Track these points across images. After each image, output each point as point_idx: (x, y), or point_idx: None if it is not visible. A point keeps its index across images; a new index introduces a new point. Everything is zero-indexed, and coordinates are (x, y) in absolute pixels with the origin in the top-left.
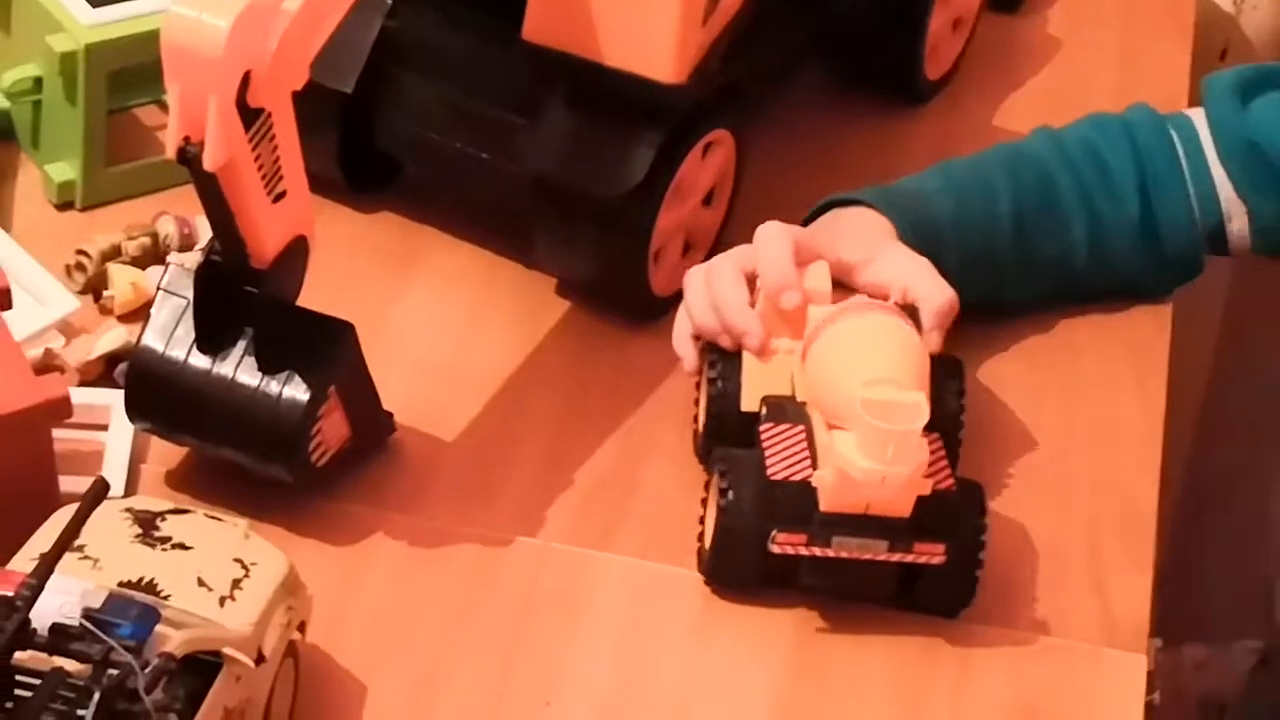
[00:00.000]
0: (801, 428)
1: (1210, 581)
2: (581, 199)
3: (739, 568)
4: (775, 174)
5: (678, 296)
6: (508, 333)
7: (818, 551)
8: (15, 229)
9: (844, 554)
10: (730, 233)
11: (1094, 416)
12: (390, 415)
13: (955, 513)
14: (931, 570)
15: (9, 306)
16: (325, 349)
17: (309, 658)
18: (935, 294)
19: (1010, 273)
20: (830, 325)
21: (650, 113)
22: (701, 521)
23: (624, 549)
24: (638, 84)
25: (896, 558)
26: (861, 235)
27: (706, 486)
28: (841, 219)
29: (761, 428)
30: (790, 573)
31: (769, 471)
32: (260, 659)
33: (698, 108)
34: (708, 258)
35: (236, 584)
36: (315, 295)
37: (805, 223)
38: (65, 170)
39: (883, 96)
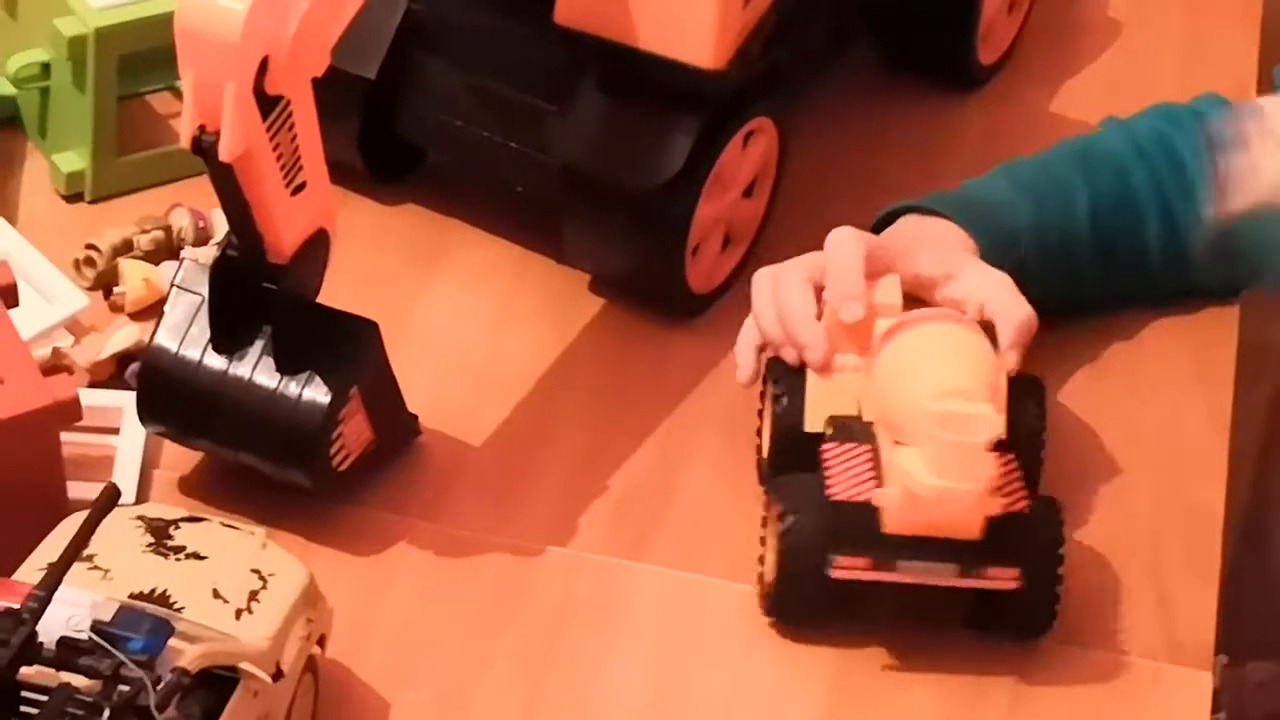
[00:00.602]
0: (868, 447)
1: (1278, 596)
2: (615, 190)
3: (804, 599)
4: (820, 164)
5: (717, 292)
6: (538, 331)
7: (882, 576)
8: (21, 222)
9: (910, 579)
10: (772, 226)
11: (1158, 422)
12: (415, 418)
13: (1030, 534)
14: (1007, 595)
15: (15, 304)
16: (347, 348)
17: (329, 672)
18: (1014, 310)
19: (1086, 275)
20: (896, 335)
21: (688, 99)
22: (761, 561)
23: (661, 559)
24: (675, 69)
25: (966, 583)
26: (940, 249)
27: (764, 522)
28: (919, 229)
29: (824, 447)
30: (859, 602)
31: (829, 492)
32: (278, 674)
33: (738, 94)
34: (749, 252)
35: (253, 596)
36: (336, 292)
37: (875, 228)
38: (74, 160)
39: (933, 82)
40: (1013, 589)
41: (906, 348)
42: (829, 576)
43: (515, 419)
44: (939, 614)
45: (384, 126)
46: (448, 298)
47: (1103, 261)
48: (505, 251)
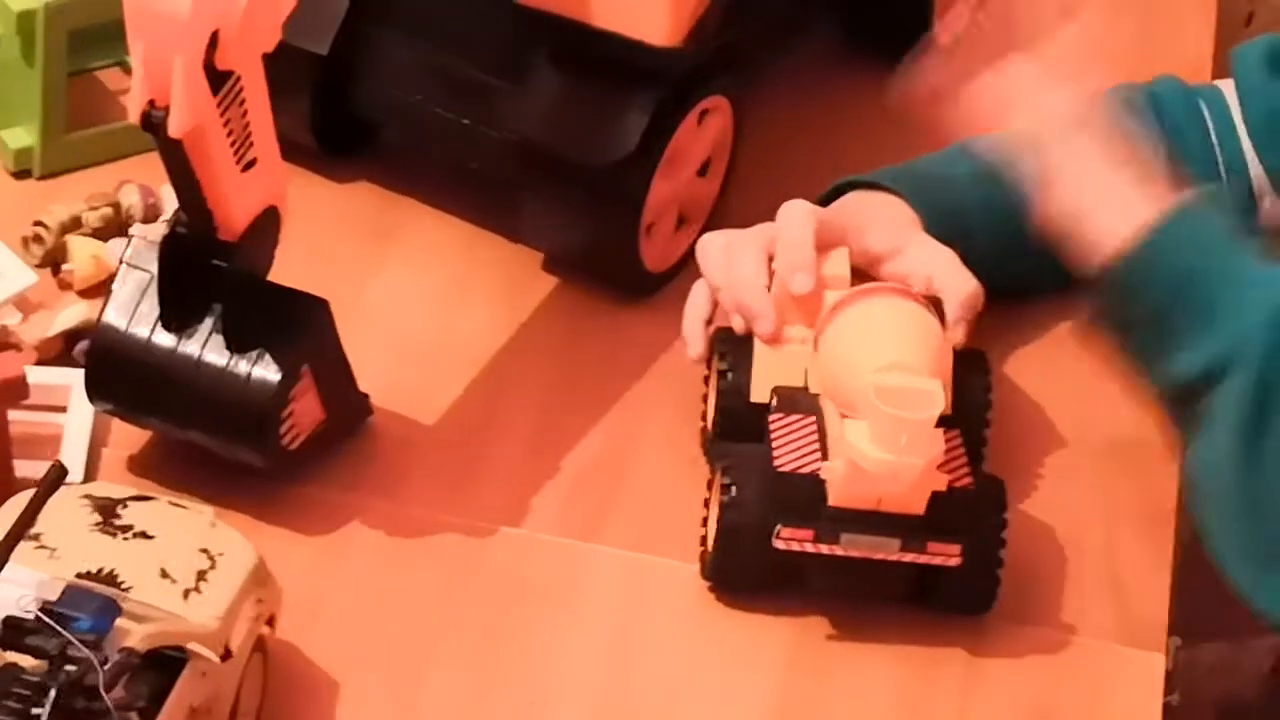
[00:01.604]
0: (813, 419)
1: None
2: (570, 168)
3: (743, 568)
4: (776, 143)
5: (671, 272)
6: (491, 310)
7: (825, 549)
8: None
9: (854, 553)
10: (727, 205)
11: (1110, 398)
12: (366, 397)
13: (973, 511)
14: (949, 571)
15: None
16: (298, 326)
17: (279, 653)
18: (961, 285)
19: (1044, 260)
20: (844, 309)
21: (642, 77)
22: (704, 524)
23: (615, 540)
24: (630, 47)
25: (909, 558)
26: (888, 224)
27: (709, 486)
28: (865, 204)
29: (771, 418)
30: (798, 574)
31: (776, 463)
32: (227, 654)
33: (693, 72)
34: (703, 231)
35: (202, 575)
36: (287, 269)
37: (822, 201)
38: (22, 136)
39: (893, 59)
40: (954, 565)
41: (853, 321)
42: (771, 546)
43: (468, 398)
44: (880, 588)
45: (336, 103)
46: (400, 276)
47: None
48: (458, 230)
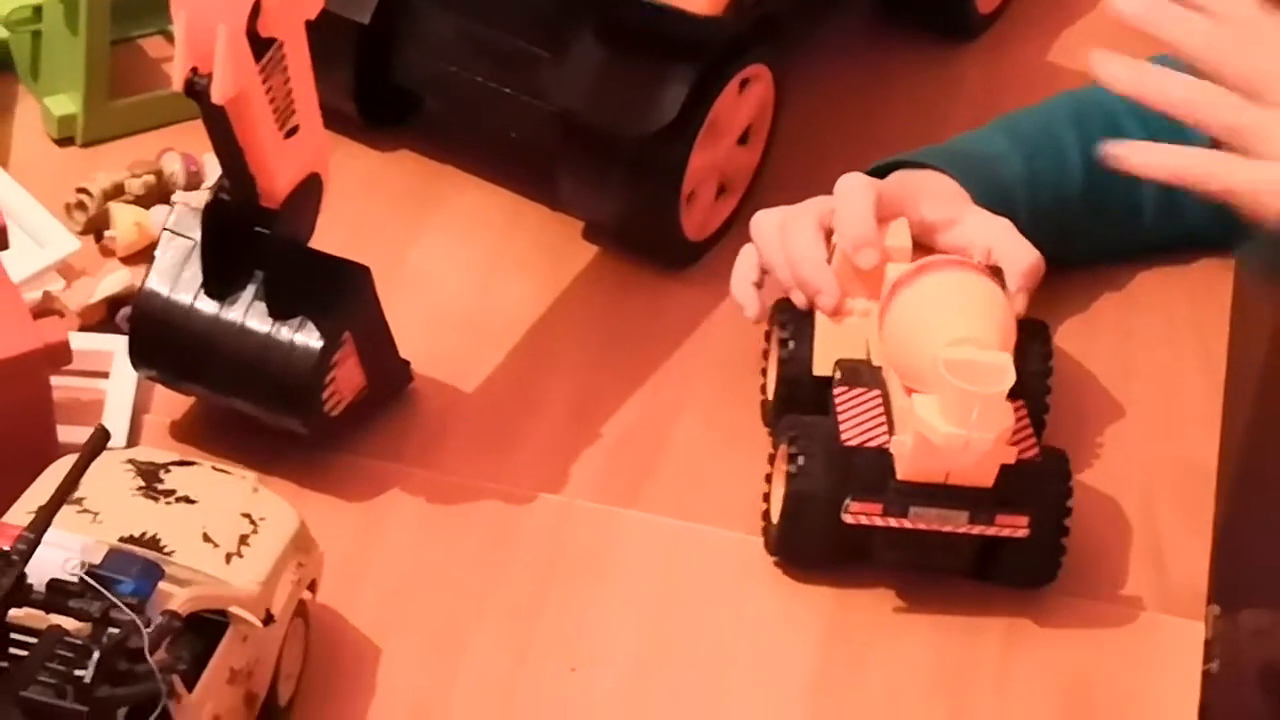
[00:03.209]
0: (877, 392)
1: (1272, 545)
2: (610, 138)
3: (809, 541)
4: (815, 113)
5: (711, 240)
6: (531, 278)
7: (893, 522)
8: (13, 165)
9: (921, 525)
10: (767, 175)
11: (1151, 371)
12: (407, 364)
13: (1040, 482)
14: (1014, 543)
15: (6, 247)
16: (340, 293)
17: (320, 618)
18: (1021, 255)
19: (1079, 229)
20: (910, 283)
21: (683, 46)
22: (765, 499)
23: (653, 507)
24: (670, 16)
25: (977, 530)
26: (941, 197)
27: (771, 459)
28: (915, 179)
29: (835, 391)
30: (862, 546)
31: (843, 437)
32: (269, 619)
33: (734, 41)
34: (743, 200)
35: (244, 540)
36: (329, 237)
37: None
38: (66, 104)
39: (930, 30)
40: (1022, 536)
41: (920, 295)
42: (838, 519)
43: (508, 366)
44: (946, 560)
45: (378, 72)
46: (441, 245)
47: (1096, 215)
48: (499, 198)
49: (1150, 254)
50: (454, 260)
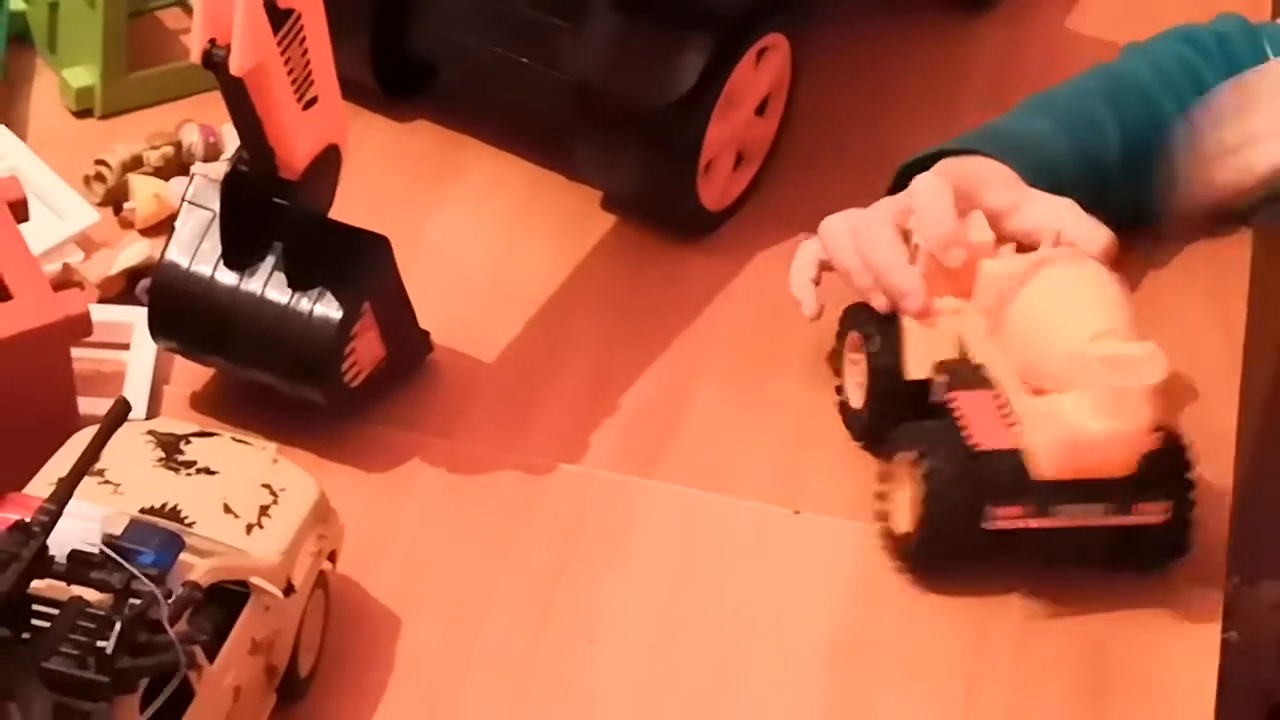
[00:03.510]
0: (990, 393)
1: None
2: (627, 108)
3: (949, 549)
4: (833, 81)
5: (729, 210)
6: (550, 248)
7: (1039, 523)
8: (31, 138)
9: (1065, 523)
10: (785, 145)
11: (1170, 343)
12: (427, 334)
13: (1172, 466)
14: (1150, 528)
15: (25, 219)
16: (359, 264)
17: (340, 589)
18: (1094, 235)
19: (1111, 203)
20: (1030, 280)
21: (700, 16)
22: (883, 517)
23: (672, 476)
24: None
25: (1115, 521)
26: (999, 183)
27: (882, 476)
28: (969, 166)
29: (949, 395)
30: (1000, 546)
31: (973, 441)
32: (289, 589)
33: (751, 11)
34: (761, 170)
35: (264, 511)
36: (348, 208)
37: (897, 176)
38: (84, 76)
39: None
40: (1161, 522)
41: (1045, 293)
42: (976, 525)
43: (527, 336)
44: (1084, 554)
45: (396, 43)
46: (460, 215)
47: (1128, 187)
48: (517, 169)
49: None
50: (473, 230)
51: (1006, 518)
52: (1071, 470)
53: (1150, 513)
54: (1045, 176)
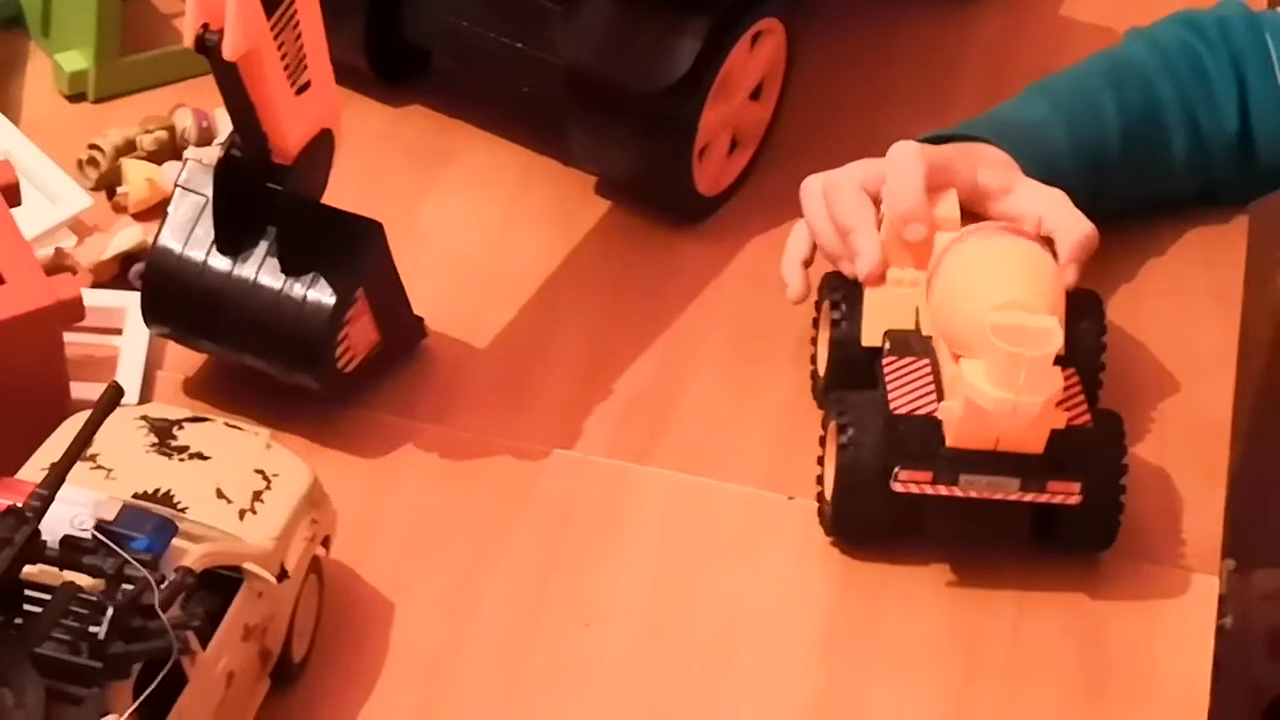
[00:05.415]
0: (926, 361)
1: None
2: (621, 93)
3: (864, 515)
4: (828, 66)
5: (724, 196)
6: (544, 233)
7: (944, 490)
8: (24, 121)
9: (973, 493)
10: (780, 129)
11: (1166, 330)
12: (420, 320)
13: (1093, 448)
14: (1069, 510)
15: (18, 203)
16: (352, 249)
17: (334, 574)
18: (1074, 226)
19: (1109, 188)
20: (956, 248)
21: (695, 0)
22: (819, 481)
23: (666, 462)
24: None
25: (1029, 497)
26: (995, 165)
27: (823, 440)
28: (968, 147)
29: (884, 361)
30: (917, 520)
31: (891, 406)
32: (283, 575)
33: None
34: (756, 155)
35: (257, 496)
36: (341, 193)
37: None
38: (77, 60)
39: None
40: (1074, 503)
41: (967, 260)
42: (890, 490)
43: (521, 322)
44: (1000, 530)
45: (389, 28)
46: (453, 200)
47: (1127, 174)
48: (511, 154)
49: (1168, 209)
50: (467, 216)
51: (913, 481)
52: (975, 439)
53: (1063, 493)
54: (1042, 164)
